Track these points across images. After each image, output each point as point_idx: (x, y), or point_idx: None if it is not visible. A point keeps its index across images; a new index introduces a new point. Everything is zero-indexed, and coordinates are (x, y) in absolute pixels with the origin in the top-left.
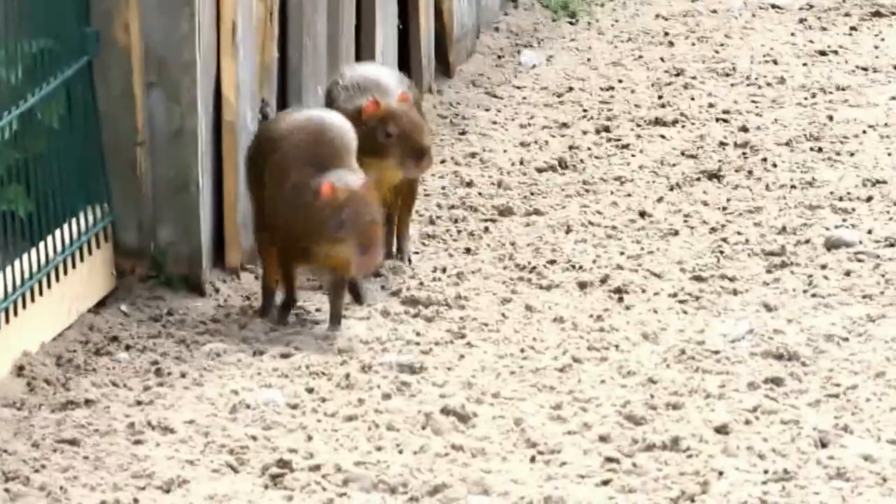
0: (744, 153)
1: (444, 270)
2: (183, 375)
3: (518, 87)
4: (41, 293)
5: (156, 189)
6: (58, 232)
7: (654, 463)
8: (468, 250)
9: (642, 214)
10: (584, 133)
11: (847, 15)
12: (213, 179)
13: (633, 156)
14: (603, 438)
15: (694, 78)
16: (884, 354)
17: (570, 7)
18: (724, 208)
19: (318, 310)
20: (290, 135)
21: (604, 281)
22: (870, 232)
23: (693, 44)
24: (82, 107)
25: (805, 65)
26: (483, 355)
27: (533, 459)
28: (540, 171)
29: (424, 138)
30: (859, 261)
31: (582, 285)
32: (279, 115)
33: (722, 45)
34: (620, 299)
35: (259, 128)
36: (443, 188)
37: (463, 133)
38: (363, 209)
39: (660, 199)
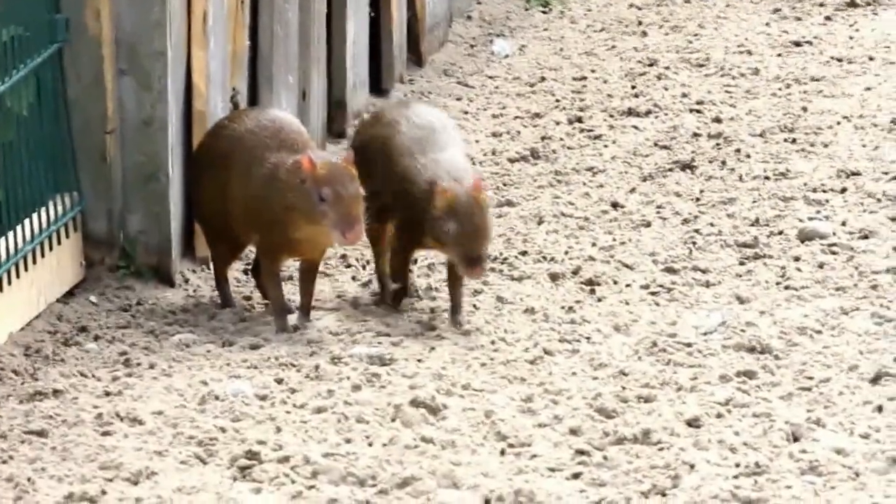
0: (717, 144)
1: (414, 261)
2: (152, 366)
3: (490, 77)
4: (10, 283)
5: (125, 178)
6: (27, 221)
7: (625, 456)
8: None
9: (614, 205)
10: (557, 123)
11: (822, 5)
12: (183, 169)
13: (605, 146)
14: (574, 431)
15: (667, 68)
16: (857, 348)
17: None
18: (697, 199)
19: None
20: (257, 129)
21: (575, 272)
22: (844, 224)
23: (667, 34)
24: (52, 95)
25: (779, 55)
26: (453, 347)
27: (503, 452)
28: (512, 161)
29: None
30: (833, 253)
31: (553, 277)
32: (229, 117)
33: (696, 35)
34: (592, 291)
35: (213, 130)
36: None
37: None
38: (347, 183)
39: (632, 190)
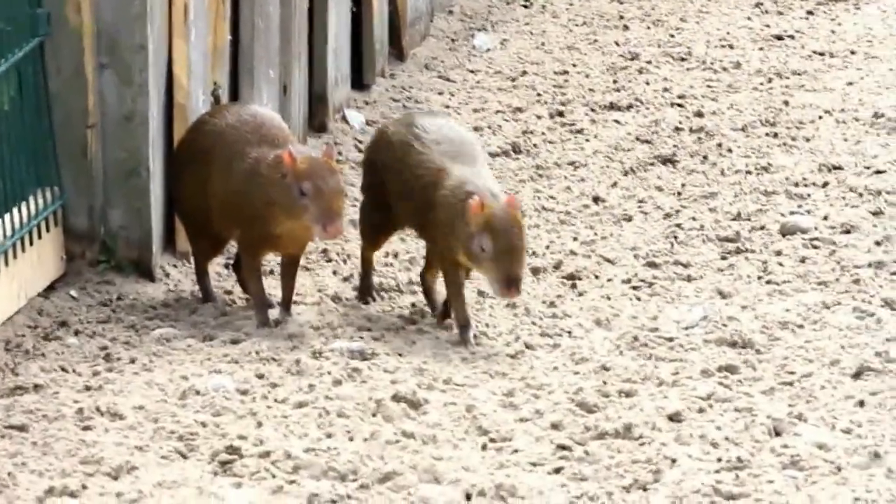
0: (699, 138)
1: (395, 256)
2: (132, 361)
3: (472, 71)
4: None
5: (106, 172)
6: (7, 215)
7: (607, 451)
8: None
9: (596, 200)
10: (538, 118)
11: None
12: (164, 163)
13: (587, 140)
14: (555, 426)
15: (649, 62)
16: (838, 342)
17: None
18: (679, 194)
19: (269, 295)
20: (238, 124)
21: (557, 267)
22: (825, 218)
23: (648, 27)
24: (33, 89)
25: (761, 49)
26: (435, 341)
27: (484, 447)
28: (493, 155)
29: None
30: (814, 247)
31: (535, 271)
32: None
33: (677, 28)
34: (573, 285)
35: (194, 126)
36: None
37: None
38: (328, 178)
39: (614, 185)
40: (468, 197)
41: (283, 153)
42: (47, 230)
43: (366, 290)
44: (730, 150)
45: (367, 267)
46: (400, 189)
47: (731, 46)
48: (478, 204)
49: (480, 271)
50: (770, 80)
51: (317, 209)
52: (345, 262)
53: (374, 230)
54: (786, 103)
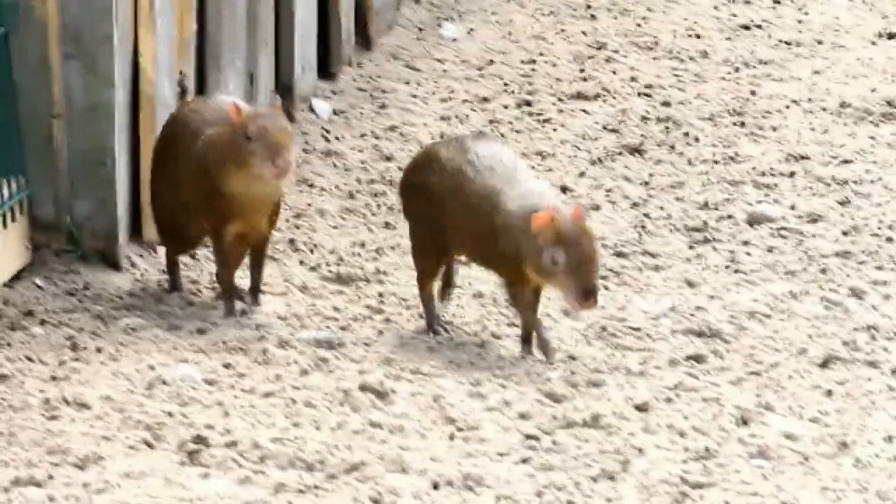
0: (666, 128)
1: (363, 245)
2: (99, 350)
3: (439, 61)
4: None
5: (72, 162)
6: None
7: (575, 440)
8: (388, 225)
9: (564, 189)
10: (505, 107)
11: None
12: (129, 153)
13: (554, 130)
14: (522, 415)
15: (616, 52)
16: (806, 332)
17: None
18: (646, 183)
19: (240, 279)
20: (199, 109)
21: None
22: (793, 207)
23: (615, 17)
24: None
25: (728, 39)
26: (402, 331)
27: (452, 437)
28: None
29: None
30: (782, 237)
31: None
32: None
33: (644, 18)
34: None
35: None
36: (362, 162)
37: (383, 107)
38: (273, 119)
39: (581, 174)
40: (532, 213)
41: (230, 110)
42: (13, 220)
43: (433, 323)
44: (697, 140)
45: (427, 299)
46: (455, 216)
47: (698, 36)
48: (545, 217)
49: (554, 285)
50: (737, 70)
51: (264, 149)
52: (311, 251)
53: (432, 259)
54: (753, 93)
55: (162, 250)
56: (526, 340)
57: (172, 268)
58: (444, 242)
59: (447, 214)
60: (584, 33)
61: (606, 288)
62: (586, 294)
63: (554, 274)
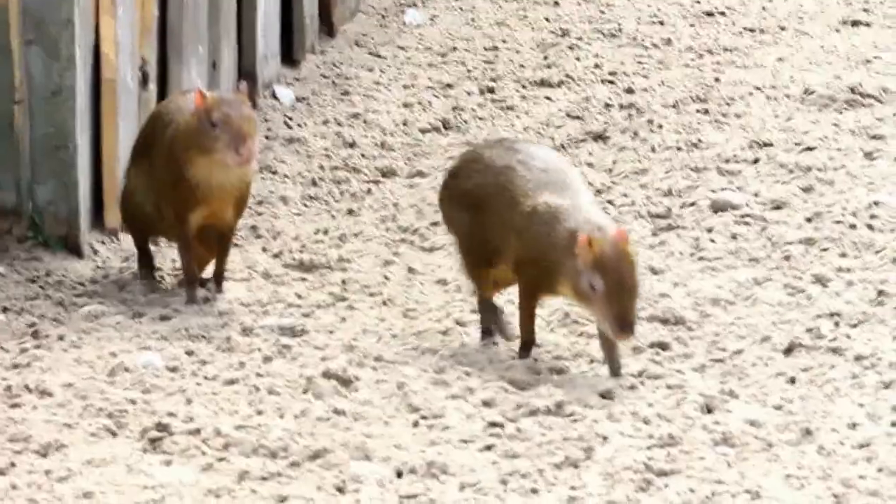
0: (630, 115)
1: (325, 232)
2: (61, 338)
3: (402, 48)
4: None
5: (33, 148)
6: None
7: (538, 428)
8: (350, 212)
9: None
10: (468, 94)
11: None
12: (91, 139)
13: (517, 117)
14: (486, 403)
15: (580, 39)
16: (770, 319)
17: None
18: (610, 170)
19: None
20: (175, 102)
21: None
22: (756, 194)
23: (579, 3)
24: None
25: (692, 26)
26: (365, 318)
27: (415, 424)
28: (423, 132)
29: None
30: (746, 224)
31: None
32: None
33: (608, 5)
34: None
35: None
36: (325, 149)
37: (346, 93)
38: (237, 106)
39: None
40: (574, 233)
41: (195, 95)
42: None
43: (487, 333)
44: (661, 127)
45: (484, 308)
46: (500, 218)
47: (661, 23)
48: (586, 240)
49: (591, 311)
50: (701, 57)
51: (227, 136)
52: (274, 238)
53: (482, 269)
54: (717, 80)
55: (124, 238)
56: (526, 349)
57: (143, 256)
58: (488, 251)
59: (490, 216)
60: (547, 20)
61: None
62: (623, 324)
63: (591, 299)
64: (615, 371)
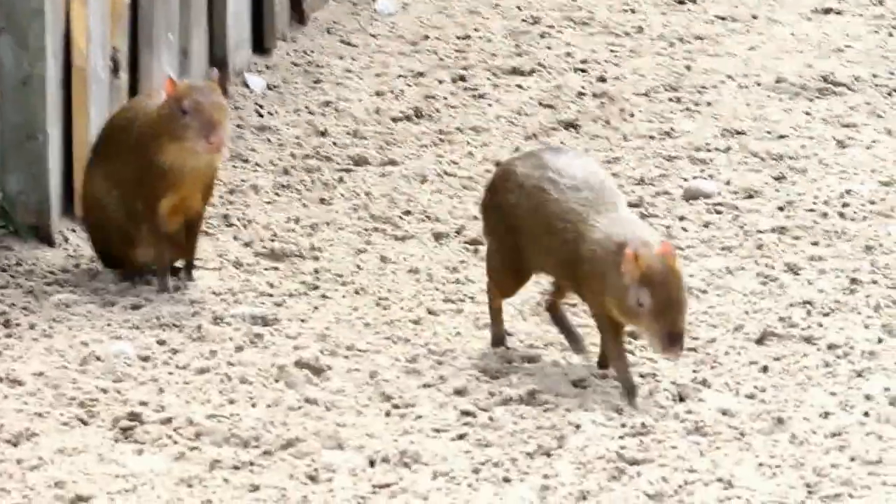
0: (601, 103)
1: (297, 221)
2: (32, 327)
3: (373, 35)
4: None
5: (4, 137)
6: None
7: (511, 417)
8: (322, 200)
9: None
10: (440, 82)
11: None
12: (62, 128)
13: (489, 105)
14: (459, 392)
15: (551, 27)
16: (742, 307)
17: None
18: None
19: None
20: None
21: (459, 232)
22: (728, 183)
23: None
24: None
25: (663, 14)
26: (337, 307)
27: (388, 413)
28: (395, 120)
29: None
30: (718, 212)
31: (437, 236)
32: None
33: None
34: (476, 251)
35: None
36: (296, 138)
37: (317, 82)
38: (208, 93)
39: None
40: (619, 248)
41: (165, 83)
42: None
43: (499, 341)
44: (632, 115)
45: (495, 315)
46: (535, 239)
47: (633, 11)
48: (632, 255)
49: (638, 327)
50: (672, 45)
51: (198, 123)
52: (246, 227)
53: (508, 278)
54: (688, 68)
55: None
56: (602, 366)
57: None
58: (522, 264)
59: (527, 234)
60: (518, 8)
61: None
62: (671, 340)
63: (638, 315)
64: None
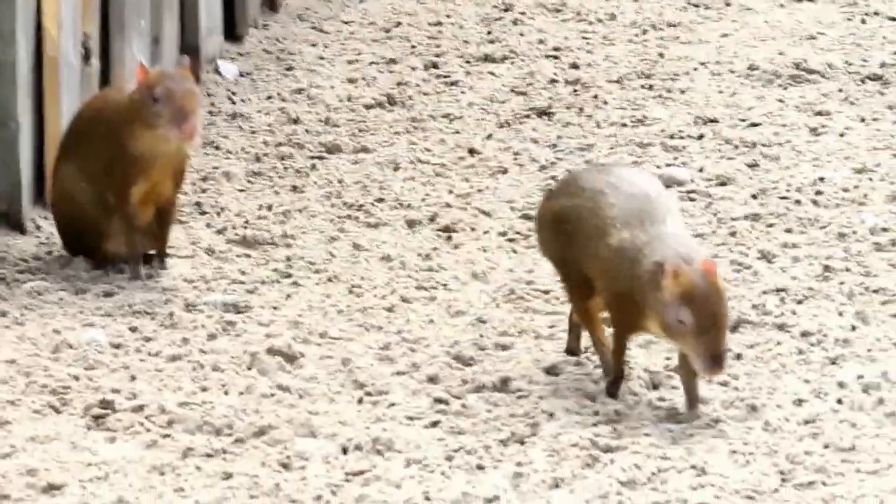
0: (574, 90)
1: (270, 208)
2: (3, 314)
3: (345, 22)
4: None
5: None
6: None
7: (484, 404)
8: (295, 188)
9: (471, 152)
10: (413, 69)
11: None
12: (33, 115)
13: (462, 92)
14: (432, 379)
15: (523, 13)
16: None
17: None
18: (555, 146)
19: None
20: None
21: (432, 219)
22: (701, 170)
23: None
24: None
25: (636, 1)
26: (310, 294)
27: (361, 401)
28: (368, 107)
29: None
30: (691, 199)
31: (410, 224)
32: None
33: None
34: (449, 238)
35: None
36: (269, 125)
37: (289, 69)
38: (180, 81)
39: (489, 137)
40: (660, 265)
41: (136, 70)
42: None
43: (573, 351)
44: (605, 103)
45: (572, 325)
46: (586, 245)
47: None
48: (673, 272)
49: (679, 345)
50: (645, 32)
51: (170, 111)
52: (218, 214)
53: (577, 289)
54: (661, 55)
55: None
56: (607, 374)
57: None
58: (584, 278)
59: (579, 242)
60: None
61: (514, 251)
62: (713, 359)
63: (679, 333)
64: (693, 403)
